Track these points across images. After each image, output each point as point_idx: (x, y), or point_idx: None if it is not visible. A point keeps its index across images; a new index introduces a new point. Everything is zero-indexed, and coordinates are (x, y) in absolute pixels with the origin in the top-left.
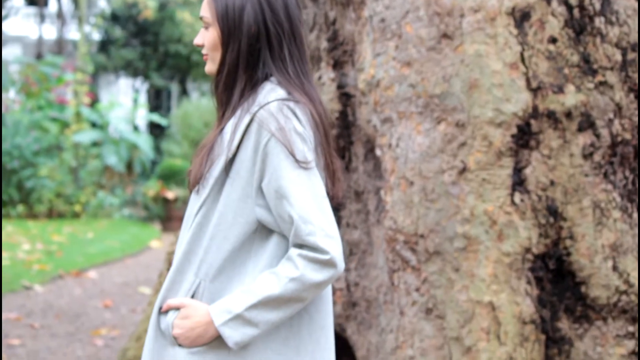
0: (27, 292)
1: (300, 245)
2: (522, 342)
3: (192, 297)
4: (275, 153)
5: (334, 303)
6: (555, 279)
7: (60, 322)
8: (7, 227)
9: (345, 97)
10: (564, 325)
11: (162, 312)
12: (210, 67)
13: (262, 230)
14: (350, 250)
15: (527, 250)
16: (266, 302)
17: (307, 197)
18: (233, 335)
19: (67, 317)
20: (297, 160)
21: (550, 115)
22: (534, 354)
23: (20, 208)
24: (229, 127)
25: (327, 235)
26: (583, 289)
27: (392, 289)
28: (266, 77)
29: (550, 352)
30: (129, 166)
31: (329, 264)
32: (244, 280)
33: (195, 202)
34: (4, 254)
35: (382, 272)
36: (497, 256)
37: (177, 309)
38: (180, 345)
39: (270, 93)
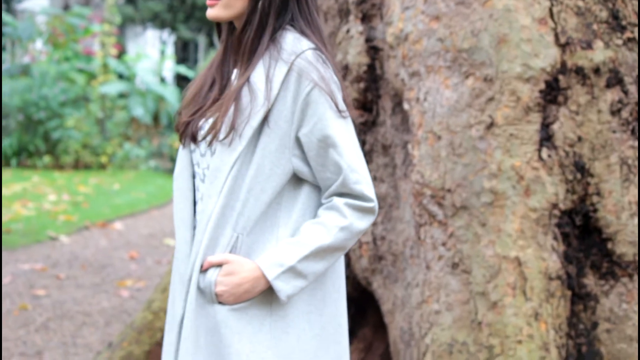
0: (52, 243)
1: (343, 194)
2: (547, 297)
3: (231, 252)
4: (320, 102)
5: (360, 256)
6: (582, 235)
7: (86, 272)
8: (34, 177)
9: (373, 50)
10: (590, 281)
11: (203, 270)
12: (221, 12)
13: (293, 181)
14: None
15: (554, 206)
16: (317, 253)
17: (351, 146)
18: (285, 288)
19: (92, 268)
20: (338, 110)
21: (579, 71)
22: (559, 309)
23: (47, 159)
24: (259, 76)
25: (369, 184)
26: (609, 245)
27: (419, 243)
28: (280, 26)
29: (576, 308)
30: (156, 118)
31: (372, 211)
32: (276, 232)
33: (226, 154)
34: (29, 204)
35: (409, 226)
36: (524, 211)
37: (219, 265)
38: (220, 302)
39: (298, 42)
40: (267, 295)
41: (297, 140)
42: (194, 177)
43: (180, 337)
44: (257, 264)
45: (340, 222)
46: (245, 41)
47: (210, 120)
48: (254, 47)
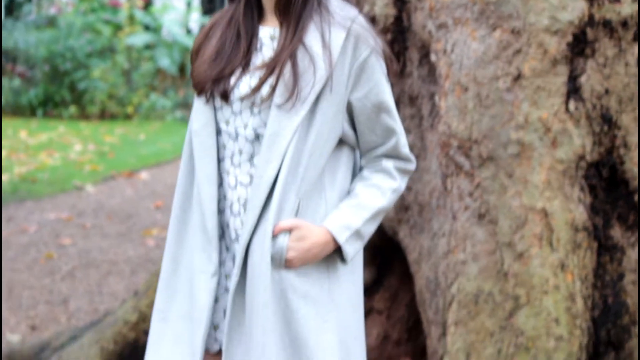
0: (78, 192)
1: (391, 157)
2: (574, 249)
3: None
4: (375, 68)
5: None
6: (609, 187)
7: (112, 222)
8: (60, 127)
9: (400, 2)
10: (616, 233)
11: (274, 235)
12: None
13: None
14: None
15: (581, 157)
16: (375, 215)
17: (396, 110)
18: (350, 251)
19: (118, 217)
20: (387, 75)
21: (606, 24)
22: (585, 261)
23: (73, 109)
24: (314, 40)
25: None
26: (636, 197)
27: (445, 194)
28: None
29: (602, 260)
30: (182, 69)
31: (412, 172)
32: (324, 195)
33: (285, 118)
34: (55, 154)
35: (435, 177)
36: (551, 163)
37: (288, 231)
38: (287, 267)
39: (345, 6)
40: (325, 258)
41: (348, 105)
42: (217, 134)
43: (237, 304)
44: (327, 228)
45: (393, 185)
46: (294, 1)
47: (254, 81)
48: (302, 8)
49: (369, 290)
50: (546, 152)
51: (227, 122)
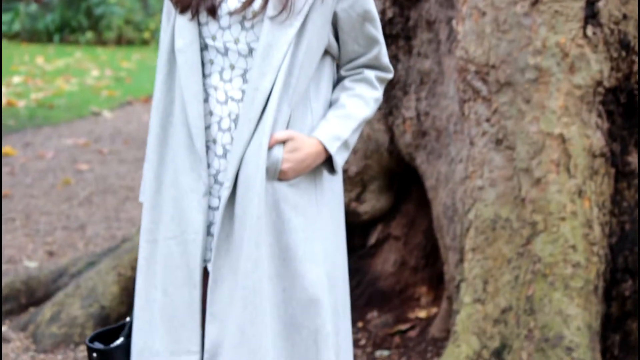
0: (95, 118)
1: (372, 67)
2: (591, 175)
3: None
4: None
5: (404, 132)
6: (626, 113)
7: (129, 148)
8: (76, 53)
9: None
10: (634, 159)
11: (270, 147)
12: None
13: None
14: (420, 79)
15: (599, 83)
16: (360, 125)
17: (379, 20)
18: (340, 161)
19: (135, 143)
20: None
21: None
22: (603, 187)
23: (89, 35)
24: None
25: None
26: None
27: (463, 119)
28: None
29: (619, 186)
30: None
31: (387, 82)
32: (309, 105)
33: (279, 31)
34: (72, 80)
35: (453, 102)
36: (568, 88)
37: (282, 142)
38: (280, 179)
39: None
40: (313, 169)
41: (334, 15)
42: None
43: (234, 218)
44: (318, 138)
45: (375, 94)
46: None
47: None
48: None
49: (386, 217)
50: (564, 78)
51: (213, 38)
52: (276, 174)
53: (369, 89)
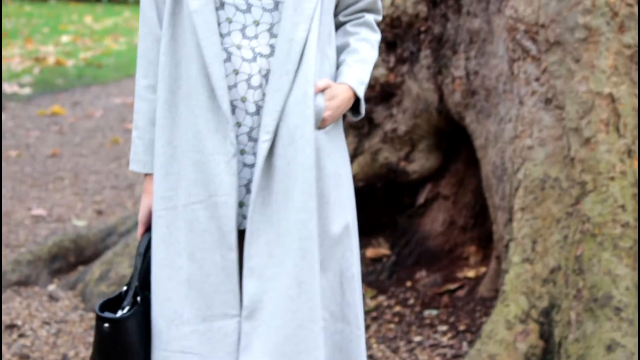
0: None
1: (370, 10)
2: None
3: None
4: None
5: (453, 91)
6: None
7: None
8: (125, 12)
9: None
10: None
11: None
12: None
13: None
14: (470, 38)
15: None
16: (372, 67)
17: None
18: (364, 104)
19: None
20: None
21: None
22: None
23: None
24: None
25: None
26: None
27: (512, 79)
28: None
29: None
30: None
31: None
32: (325, 52)
33: None
34: (121, 39)
35: (502, 61)
36: (618, 48)
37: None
38: (320, 127)
39: None
40: None
41: None
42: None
43: (275, 172)
44: (348, 84)
45: (377, 37)
46: None
47: None
48: None
49: (435, 176)
50: (613, 37)
51: None
52: (318, 123)
53: (371, 33)
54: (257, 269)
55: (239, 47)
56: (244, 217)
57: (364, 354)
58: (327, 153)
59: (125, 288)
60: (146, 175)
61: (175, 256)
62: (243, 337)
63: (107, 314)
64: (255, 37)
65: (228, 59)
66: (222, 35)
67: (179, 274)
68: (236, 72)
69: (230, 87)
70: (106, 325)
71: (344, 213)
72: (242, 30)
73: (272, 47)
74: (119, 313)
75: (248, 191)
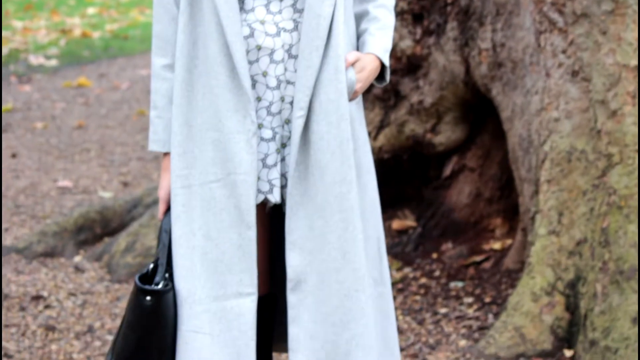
0: None
1: None
2: None
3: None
4: None
5: (480, 63)
6: None
7: None
8: None
9: None
10: None
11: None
12: None
13: None
14: (496, 10)
15: None
16: (392, 33)
17: None
18: (389, 72)
19: None
20: None
21: None
22: None
23: None
24: None
25: None
26: None
27: (539, 51)
28: None
29: None
30: None
31: None
32: (348, 22)
33: None
34: (147, 11)
35: (529, 33)
36: None
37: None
38: (352, 99)
39: None
40: None
41: None
42: None
43: (313, 144)
44: (374, 54)
45: (392, 1)
46: None
47: None
48: None
49: (461, 148)
50: None
51: None
52: (350, 96)
53: None
54: (298, 242)
55: (262, 23)
56: (260, 191)
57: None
58: (359, 122)
59: (152, 265)
60: (165, 153)
61: (190, 235)
62: (290, 310)
63: (154, 286)
64: (280, 12)
65: (251, 34)
66: (245, 11)
67: (193, 253)
68: (259, 47)
69: (251, 62)
70: (148, 298)
71: (374, 178)
72: (267, 5)
73: (295, 22)
74: (162, 285)
75: (264, 165)
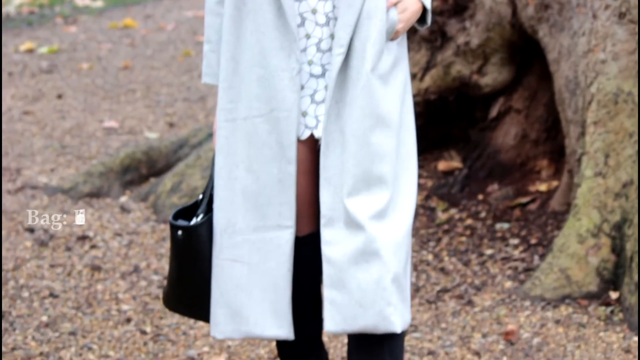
0: None
1: None
2: None
3: None
4: None
5: (527, 5)
6: None
7: None
8: None
9: None
10: None
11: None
12: None
13: None
14: None
15: None
16: None
17: None
18: (430, 14)
19: None
20: None
21: None
22: None
23: None
24: None
25: None
26: None
27: None
28: None
29: None
30: None
31: None
32: None
33: None
34: None
35: None
36: None
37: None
38: (393, 39)
39: None
40: None
41: None
42: None
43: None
44: None
45: None
46: None
47: None
48: None
49: (508, 90)
50: None
51: None
52: (391, 35)
53: None
54: (333, 180)
55: None
56: (306, 126)
57: None
58: (402, 61)
59: (200, 197)
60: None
61: (233, 167)
62: (324, 246)
63: (180, 222)
64: None
65: None
66: None
67: (234, 185)
68: None
69: (300, 0)
70: (179, 232)
71: (412, 118)
72: None
73: None
74: (193, 221)
75: (312, 101)
